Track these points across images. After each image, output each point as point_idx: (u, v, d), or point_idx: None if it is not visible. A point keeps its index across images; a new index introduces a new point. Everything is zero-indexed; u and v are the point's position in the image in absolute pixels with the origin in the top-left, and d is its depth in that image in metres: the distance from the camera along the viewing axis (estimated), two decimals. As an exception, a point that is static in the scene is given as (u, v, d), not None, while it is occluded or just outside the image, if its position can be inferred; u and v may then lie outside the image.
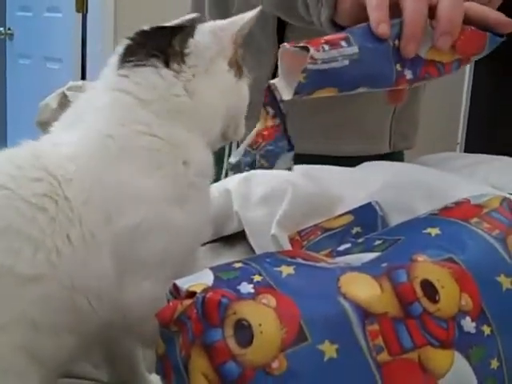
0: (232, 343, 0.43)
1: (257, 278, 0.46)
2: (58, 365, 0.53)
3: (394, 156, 1.20)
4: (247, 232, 0.84)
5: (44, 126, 2.07)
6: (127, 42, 0.59)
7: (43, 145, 0.56)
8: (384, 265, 0.48)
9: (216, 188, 0.94)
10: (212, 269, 0.48)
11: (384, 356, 0.44)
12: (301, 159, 1.01)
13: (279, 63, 0.61)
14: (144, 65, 0.56)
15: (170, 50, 0.57)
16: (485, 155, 1.21)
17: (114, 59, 0.59)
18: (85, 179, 0.53)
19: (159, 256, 0.55)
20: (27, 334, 0.50)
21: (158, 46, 0.57)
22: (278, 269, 0.47)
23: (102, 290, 0.53)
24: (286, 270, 0.47)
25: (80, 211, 0.52)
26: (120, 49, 0.59)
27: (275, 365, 0.42)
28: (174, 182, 0.56)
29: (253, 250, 0.81)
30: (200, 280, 0.47)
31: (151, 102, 0.56)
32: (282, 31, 1.07)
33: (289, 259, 0.49)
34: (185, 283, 0.47)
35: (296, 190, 0.85)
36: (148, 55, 0.57)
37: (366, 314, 0.45)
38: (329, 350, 0.43)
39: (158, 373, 0.50)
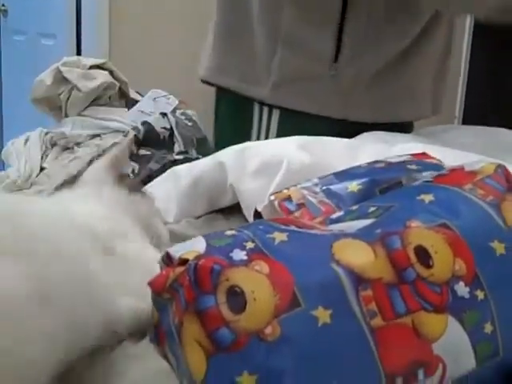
0: (225, 310, 0.43)
1: (249, 244, 0.46)
2: None
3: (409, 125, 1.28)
4: (242, 204, 0.84)
5: (39, 102, 2.05)
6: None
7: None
8: (378, 231, 0.48)
9: (208, 161, 0.93)
10: (204, 236, 0.48)
11: (378, 321, 0.44)
12: (353, 127, 1.07)
13: None
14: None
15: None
16: (483, 127, 1.21)
17: None
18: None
19: None
20: None
21: None
22: (271, 235, 0.47)
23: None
24: (279, 237, 0.47)
25: None
26: None
27: (268, 331, 0.42)
28: None
29: (247, 222, 0.81)
30: (192, 247, 0.46)
31: None
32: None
33: (282, 226, 0.49)
34: (177, 251, 0.47)
35: (291, 161, 0.84)
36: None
37: (359, 280, 0.44)
38: (322, 315, 0.43)
39: (151, 341, 0.50)
